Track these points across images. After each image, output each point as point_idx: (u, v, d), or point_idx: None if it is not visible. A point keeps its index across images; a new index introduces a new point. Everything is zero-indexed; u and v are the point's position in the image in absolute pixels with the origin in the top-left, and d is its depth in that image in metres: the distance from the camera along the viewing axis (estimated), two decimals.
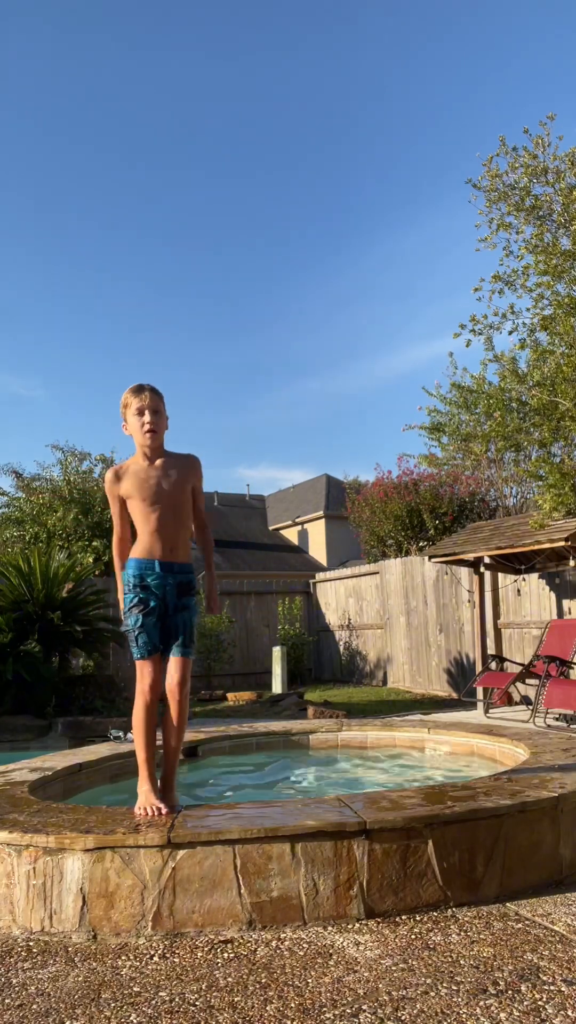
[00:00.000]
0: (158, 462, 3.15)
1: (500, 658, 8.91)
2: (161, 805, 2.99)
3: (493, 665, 8.86)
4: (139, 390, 3.13)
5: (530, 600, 9.66)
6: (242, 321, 44.36)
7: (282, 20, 27.18)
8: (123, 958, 2.44)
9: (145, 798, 3.04)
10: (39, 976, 2.32)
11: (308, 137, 34.17)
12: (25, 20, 24.74)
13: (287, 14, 27.20)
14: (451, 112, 31.91)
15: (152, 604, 3.07)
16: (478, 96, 30.47)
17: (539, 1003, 1.99)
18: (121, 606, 3.14)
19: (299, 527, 27.73)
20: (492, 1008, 1.97)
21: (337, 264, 41.32)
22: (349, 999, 2.05)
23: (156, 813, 2.95)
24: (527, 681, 8.35)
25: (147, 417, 3.10)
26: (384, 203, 38.75)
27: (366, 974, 2.21)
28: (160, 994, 2.15)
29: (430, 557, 9.95)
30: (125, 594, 3.11)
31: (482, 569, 9.69)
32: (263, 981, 2.19)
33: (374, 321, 44.53)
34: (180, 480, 3.14)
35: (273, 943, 2.49)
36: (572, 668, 7.78)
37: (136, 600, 3.08)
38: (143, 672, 3.05)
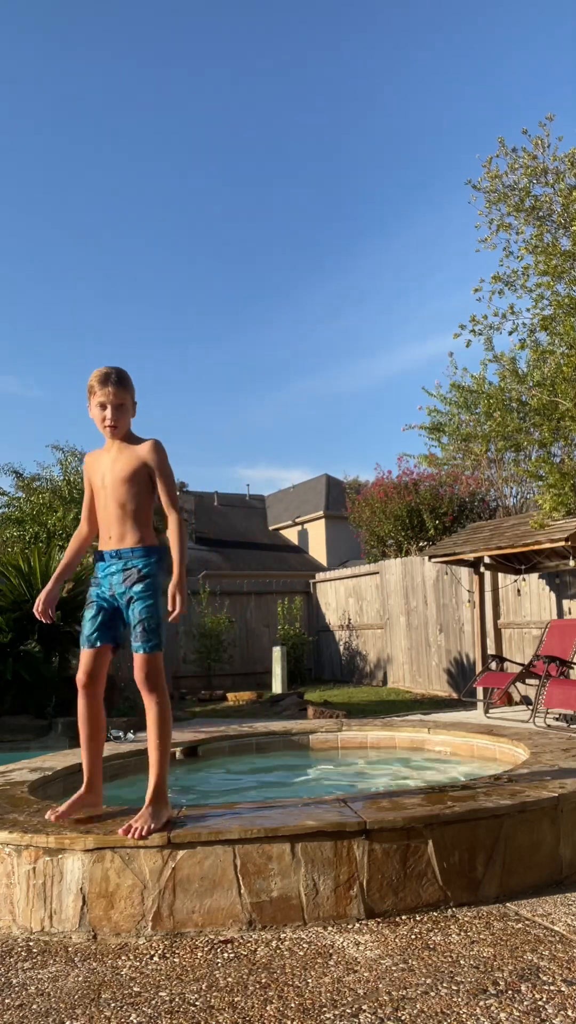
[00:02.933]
0: (113, 449, 3.07)
1: (500, 658, 8.91)
2: (57, 808, 2.93)
3: (493, 665, 8.86)
4: (104, 381, 2.99)
5: (530, 600, 9.66)
6: (241, 320, 44.37)
7: (280, 20, 27.19)
8: (123, 958, 2.44)
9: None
10: (39, 976, 2.32)
11: (306, 138, 34.17)
12: (31, 25, 24.78)
13: (285, 13, 27.21)
14: (449, 112, 31.91)
15: (92, 598, 3.04)
16: (475, 96, 30.47)
17: (539, 1003, 1.99)
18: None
19: (299, 527, 27.72)
20: (492, 1008, 1.97)
21: (336, 263, 41.32)
22: (349, 999, 2.05)
23: (53, 812, 2.91)
24: (527, 681, 8.35)
25: (108, 413, 3.00)
26: (382, 202, 38.74)
27: (366, 974, 2.21)
28: (160, 994, 2.15)
29: (430, 557, 9.95)
30: None
31: (482, 569, 9.69)
32: (263, 981, 2.19)
33: (373, 320, 44.53)
34: (128, 466, 3.02)
35: (273, 943, 2.49)
36: (572, 668, 7.78)
37: (88, 593, 3.08)
38: (79, 662, 3.07)
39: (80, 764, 4.33)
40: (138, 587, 2.93)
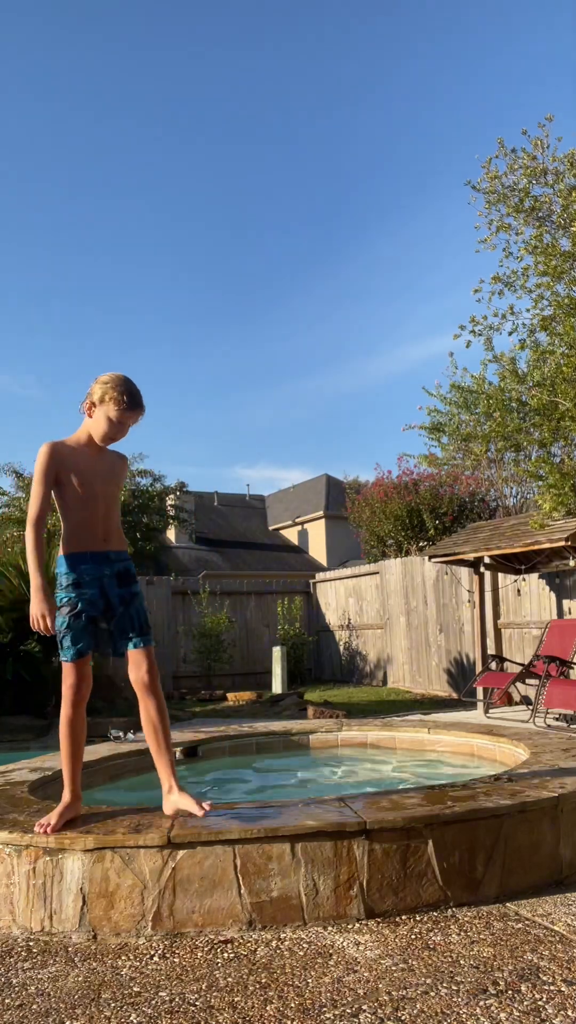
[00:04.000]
0: (95, 451, 3.04)
1: (500, 658, 8.91)
2: (48, 820, 2.80)
3: (493, 665, 8.86)
4: (137, 407, 2.97)
5: (530, 600, 9.66)
6: (240, 319, 44.37)
7: (280, 17, 27.19)
8: (123, 958, 2.44)
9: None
10: (39, 976, 2.32)
11: (304, 135, 34.18)
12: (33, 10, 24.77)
13: (285, 10, 27.22)
14: (447, 111, 31.93)
15: (80, 605, 2.91)
16: (472, 95, 30.48)
17: (539, 1003, 2.00)
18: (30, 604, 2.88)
19: (299, 527, 27.73)
20: (492, 1008, 1.97)
21: (335, 262, 41.35)
22: (349, 999, 2.05)
23: (43, 827, 2.78)
24: (527, 681, 8.35)
25: (121, 436, 3.05)
26: (382, 201, 38.78)
27: (366, 974, 2.21)
28: (160, 994, 2.15)
29: (430, 557, 9.95)
30: (57, 592, 2.95)
31: (482, 569, 9.69)
32: (263, 981, 2.20)
33: (373, 320, 44.56)
34: (118, 473, 3.13)
35: (273, 943, 2.49)
36: (572, 668, 7.78)
37: (65, 599, 2.92)
38: (67, 675, 2.93)
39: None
40: (135, 587, 3.05)
